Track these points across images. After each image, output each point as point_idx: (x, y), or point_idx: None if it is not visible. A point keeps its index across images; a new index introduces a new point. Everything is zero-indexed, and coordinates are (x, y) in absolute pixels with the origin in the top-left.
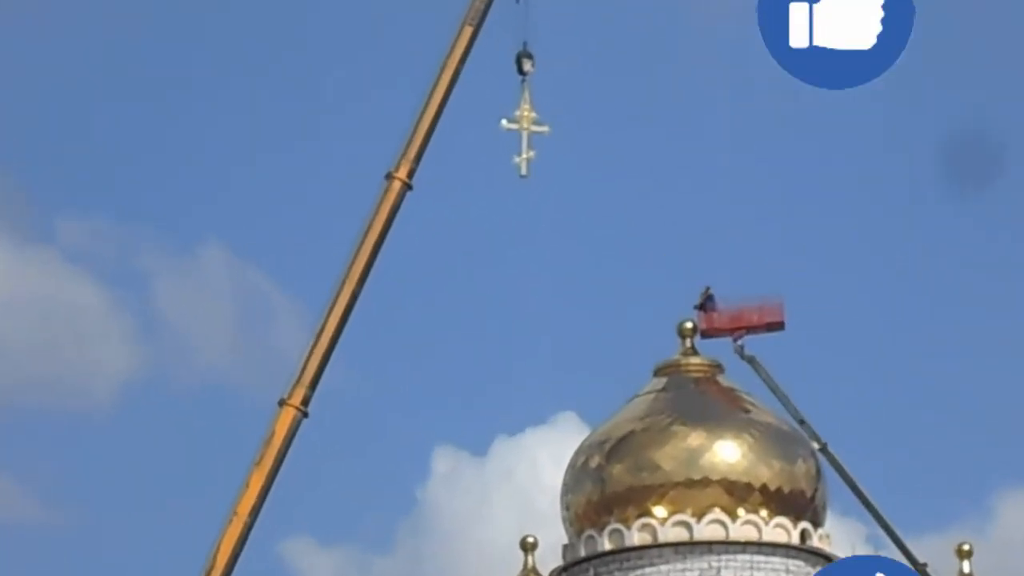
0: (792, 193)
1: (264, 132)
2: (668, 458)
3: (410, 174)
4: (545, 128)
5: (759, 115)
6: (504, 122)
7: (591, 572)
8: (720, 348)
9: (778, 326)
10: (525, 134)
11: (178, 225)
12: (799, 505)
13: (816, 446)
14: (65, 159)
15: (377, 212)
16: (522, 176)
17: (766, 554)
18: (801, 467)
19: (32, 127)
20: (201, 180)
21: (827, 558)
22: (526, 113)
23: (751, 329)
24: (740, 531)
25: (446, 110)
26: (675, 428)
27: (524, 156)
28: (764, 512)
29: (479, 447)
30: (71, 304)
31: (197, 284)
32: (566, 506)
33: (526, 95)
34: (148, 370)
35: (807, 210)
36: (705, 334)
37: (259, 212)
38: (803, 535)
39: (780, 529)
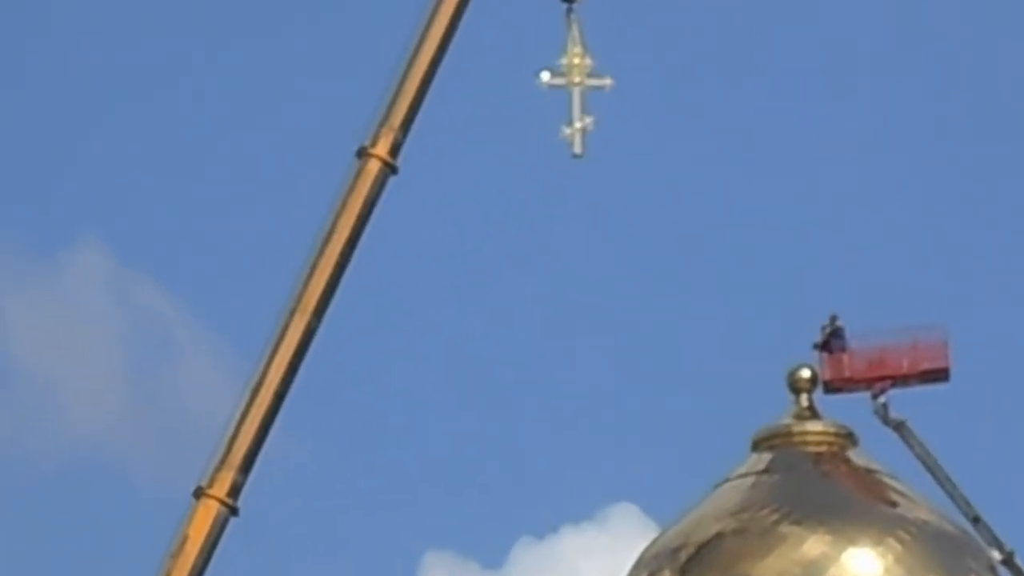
0: (957, 187)
1: (170, 92)
2: (774, 573)
3: (393, 150)
4: (606, 81)
5: (908, 81)
6: (544, 76)
7: None
8: (853, 409)
9: (940, 375)
10: (576, 92)
11: (40, 223)
12: None
13: (998, 556)
14: None
15: (343, 209)
16: (574, 155)
17: None
18: None
19: None
20: (72, 161)
21: None
22: (576, 60)
23: (900, 379)
24: None
25: (448, 54)
26: (784, 529)
27: (577, 125)
28: None
29: (492, 555)
30: None
31: (66, 308)
32: None
33: (575, 33)
34: None
35: (978, 213)
36: (831, 387)
37: (158, 209)
38: None
39: None
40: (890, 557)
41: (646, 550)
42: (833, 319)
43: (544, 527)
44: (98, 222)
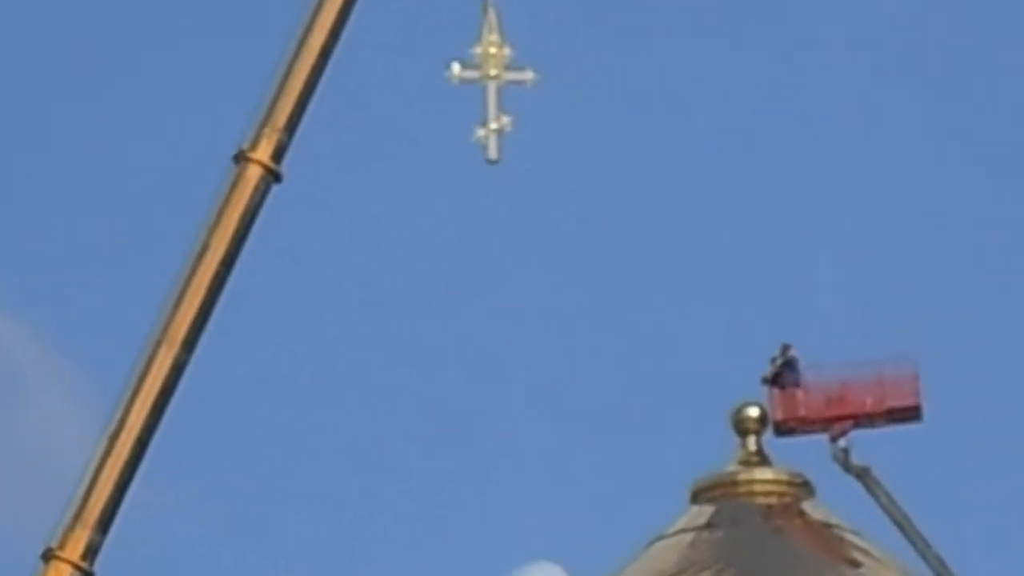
0: (931, 200)
1: (26, 86)
2: None
3: (277, 154)
4: (527, 75)
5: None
6: (455, 68)
7: None
8: (809, 452)
9: (910, 413)
10: (492, 87)
11: None
12: None
13: None
14: None
15: (218, 220)
16: (489, 160)
17: None
18: None
19: None
20: None
21: None
22: (493, 50)
23: (864, 419)
24: None
25: (341, 43)
26: None
27: (493, 126)
28: None
29: None
30: None
31: None
32: None
33: (491, 18)
34: None
35: (953, 231)
36: (783, 428)
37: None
38: None
39: None
40: None
41: None
42: (785, 349)
43: None
44: None
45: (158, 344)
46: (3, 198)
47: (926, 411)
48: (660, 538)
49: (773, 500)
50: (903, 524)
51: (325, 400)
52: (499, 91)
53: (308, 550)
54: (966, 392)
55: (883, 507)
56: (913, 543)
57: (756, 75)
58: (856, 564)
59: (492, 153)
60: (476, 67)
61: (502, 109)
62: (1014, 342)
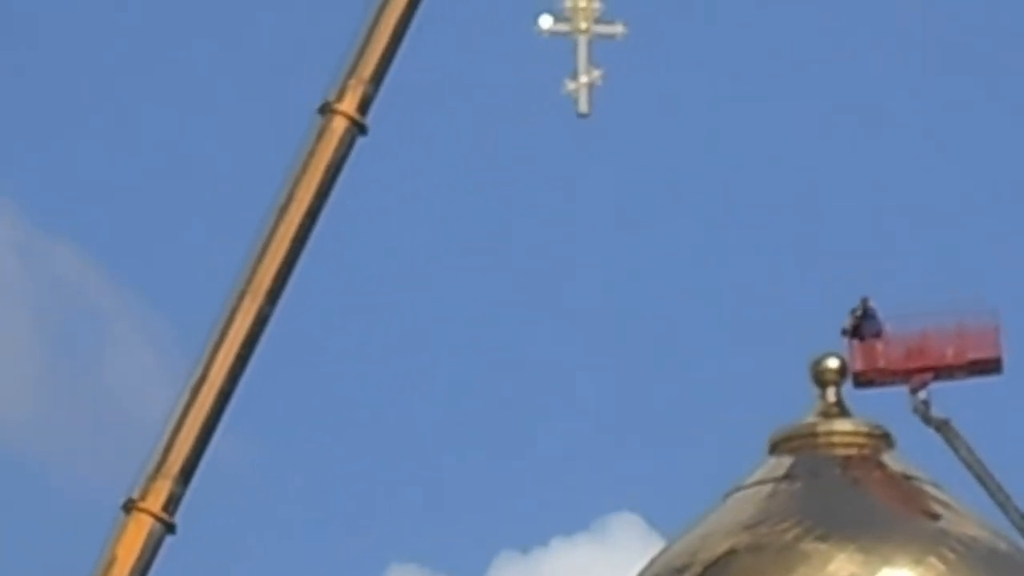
0: (1006, 153)
1: (87, 38)
2: None
3: (363, 106)
4: (617, 29)
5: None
6: (545, 21)
7: None
8: (889, 404)
9: (991, 366)
10: (583, 40)
11: None
12: None
13: None
14: None
15: (303, 173)
16: (580, 114)
17: None
18: None
19: None
20: None
21: None
22: (583, 4)
23: (943, 371)
24: None
25: None
26: (807, 546)
27: (583, 79)
28: None
29: (467, 571)
30: None
31: None
32: None
33: None
34: None
35: None
36: (862, 379)
37: (82, 166)
38: None
39: None
40: None
41: (645, 570)
42: (865, 301)
43: (531, 539)
44: (7, 181)
45: (242, 295)
46: (96, 152)
47: (1007, 363)
48: (738, 489)
49: (852, 452)
50: (983, 477)
51: (406, 356)
52: (589, 44)
53: (378, 507)
54: None
55: (963, 460)
56: (993, 496)
57: (838, 33)
58: (935, 516)
59: (583, 107)
60: (566, 20)
61: (592, 62)
62: None
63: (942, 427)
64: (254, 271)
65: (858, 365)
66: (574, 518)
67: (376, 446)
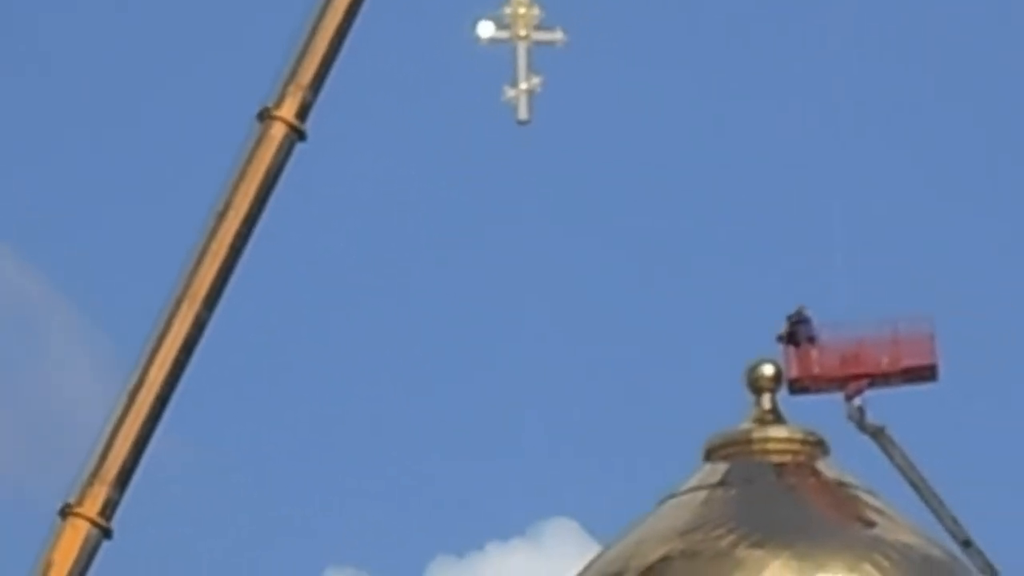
0: (944, 159)
1: (22, 38)
2: None
3: (302, 112)
4: (557, 36)
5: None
6: (485, 28)
7: None
8: (824, 411)
9: (926, 372)
10: (522, 47)
11: None
12: None
13: None
14: None
15: (241, 179)
16: (519, 122)
17: None
18: None
19: None
20: None
21: None
22: (522, 11)
23: (879, 378)
24: None
25: (368, 1)
26: (742, 553)
27: (523, 86)
28: None
29: (407, 574)
30: None
31: None
32: None
33: None
34: None
35: (968, 189)
36: (798, 386)
37: (19, 173)
38: None
39: None
40: None
41: (579, 575)
42: (800, 308)
43: (467, 543)
44: None
45: (180, 301)
46: (33, 157)
47: (942, 370)
48: (673, 495)
49: (787, 458)
50: (918, 484)
51: (344, 360)
52: (529, 51)
53: (315, 510)
54: (982, 352)
55: (898, 466)
56: (928, 503)
57: (773, 34)
58: (870, 523)
59: (523, 113)
60: (506, 27)
61: (532, 69)
62: None
63: (877, 434)
64: (192, 277)
65: (793, 372)
66: (510, 523)
67: (313, 449)
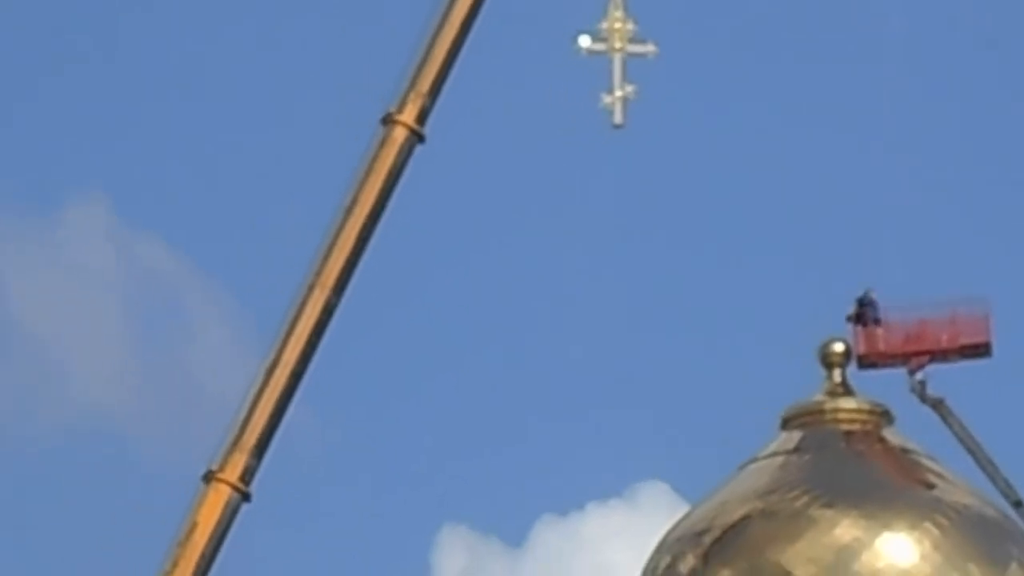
0: (997, 154)
1: (185, 45)
2: (803, 560)
3: (421, 117)
4: (648, 48)
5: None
6: (584, 41)
7: None
8: (888, 384)
9: (981, 350)
10: (618, 58)
11: (36, 178)
12: None
13: None
14: None
15: (367, 177)
16: (615, 125)
17: None
18: (1015, 574)
19: None
20: (84, 108)
21: None
22: (618, 25)
23: (938, 354)
24: None
25: (481, 15)
26: (814, 512)
27: (618, 94)
28: None
29: (512, 532)
30: None
31: (65, 268)
32: None
33: None
34: None
35: (1021, 182)
36: (865, 361)
37: (177, 167)
38: None
39: None
40: (927, 543)
41: (669, 533)
42: (867, 291)
43: (569, 504)
44: (100, 177)
45: (311, 287)
46: (183, 152)
47: (996, 348)
48: (753, 460)
49: (855, 427)
50: (973, 450)
51: (455, 335)
52: (624, 62)
53: (432, 474)
54: None
55: (955, 435)
56: (983, 468)
57: (836, 43)
58: (930, 486)
59: (618, 118)
60: (603, 40)
61: (626, 79)
62: None
63: (937, 405)
64: (323, 266)
65: (861, 349)
66: (608, 485)
67: (431, 419)
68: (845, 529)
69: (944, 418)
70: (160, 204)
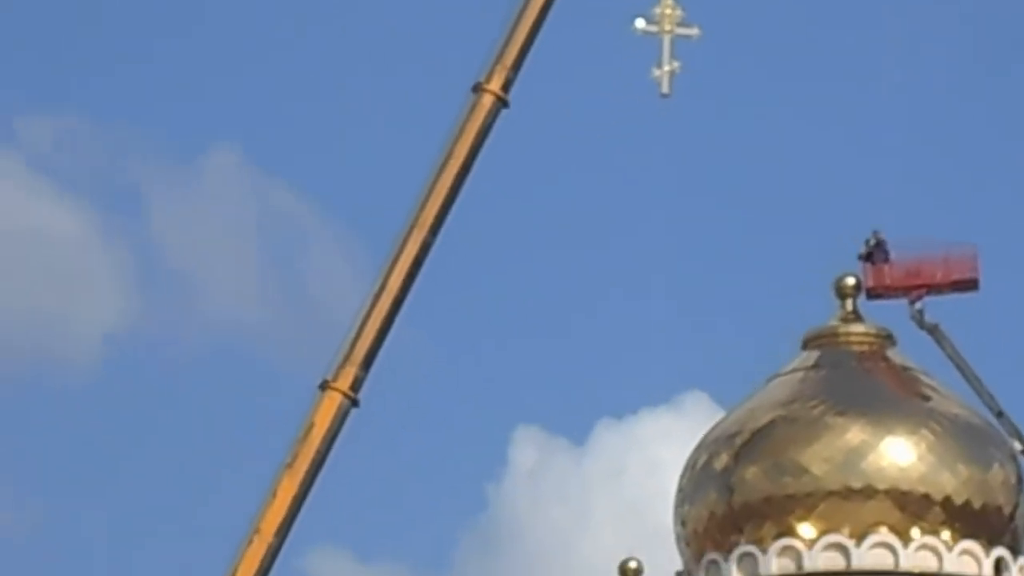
0: (985, 115)
1: (307, 14)
2: (819, 459)
3: (506, 86)
4: (693, 31)
5: (943, 22)
6: (639, 23)
7: None
8: (892, 313)
9: (970, 284)
10: (667, 39)
11: (183, 128)
12: (993, 525)
13: (1018, 447)
14: (26, 37)
15: (460, 136)
16: (662, 95)
17: None
18: (997, 474)
19: None
20: (219, 71)
21: None
22: (668, 11)
23: (934, 288)
24: (914, 559)
25: (557, 2)
26: (829, 419)
27: (666, 68)
28: (946, 534)
29: (576, 433)
30: (37, 231)
31: (209, 206)
32: (681, 520)
33: None
34: (140, 321)
35: (1006, 137)
36: (872, 293)
37: (301, 121)
38: (998, 566)
39: (967, 557)
40: (923, 446)
41: (707, 435)
42: (876, 233)
43: (624, 409)
44: (236, 128)
45: (412, 228)
46: (306, 108)
47: (982, 283)
48: (778, 375)
49: (864, 348)
50: (964, 369)
51: (528, 262)
52: (672, 42)
53: (511, 380)
54: (1016, 269)
55: (948, 355)
56: (970, 383)
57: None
58: (926, 398)
59: (665, 89)
60: (655, 23)
61: (674, 56)
62: None
63: (933, 330)
64: (421, 210)
65: (870, 283)
66: (658, 394)
67: (510, 337)
68: (854, 433)
69: (938, 341)
70: (286, 151)
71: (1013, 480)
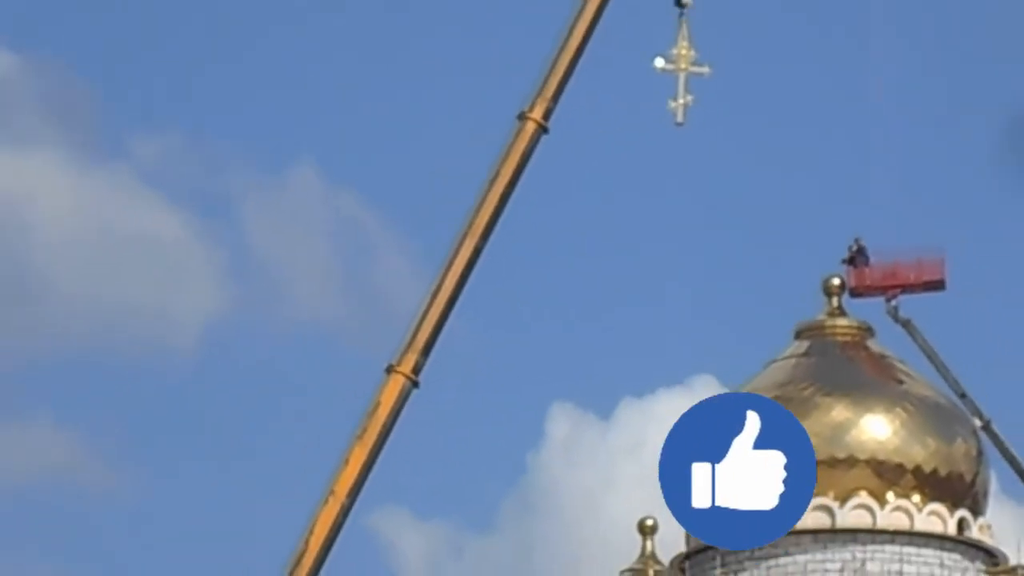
0: (955, 137)
1: (378, 49)
2: (809, 433)
3: (546, 115)
4: (705, 69)
5: (925, 51)
6: (659, 61)
7: (718, 562)
8: (871, 309)
9: (938, 285)
10: (682, 75)
11: (268, 144)
12: (957, 490)
13: (978, 423)
14: (139, 66)
15: (507, 157)
16: (677, 124)
17: (918, 545)
18: (960, 447)
19: (102, 28)
20: (302, 94)
21: (988, 552)
22: (683, 52)
23: (907, 288)
24: (889, 519)
25: (590, 45)
26: (817, 399)
27: (681, 101)
28: (917, 497)
29: (603, 409)
30: (145, 235)
31: (292, 213)
32: None
33: (684, 31)
34: (233, 313)
35: (971, 156)
36: (855, 292)
37: (370, 140)
38: (960, 525)
39: (934, 517)
40: (897, 422)
41: None
42: (858, 240)
43: (644, 389)
44: (313, 145)
45: (465, 235)
46: (374, 126)
47: (949, 284)
48: (773, 361)
49: (848, 339)
50: (932, 357)
51: (565, 265)
52: (687, 78)
53: (546, 363)
54: (979, 271)
55: (919, 346)
56: (939, 371)
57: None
58: (901, 382)
59: (680, 118)
60: (672, 61)
61: (688, 90)
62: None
63: (906, 324)
64: (473, 220)
65: (852, 283)
66: (673, 376)
67: (548, 331)
68: (839, 412)
69: (911, 334)
70: (359, 167)
71: (974, 452)
